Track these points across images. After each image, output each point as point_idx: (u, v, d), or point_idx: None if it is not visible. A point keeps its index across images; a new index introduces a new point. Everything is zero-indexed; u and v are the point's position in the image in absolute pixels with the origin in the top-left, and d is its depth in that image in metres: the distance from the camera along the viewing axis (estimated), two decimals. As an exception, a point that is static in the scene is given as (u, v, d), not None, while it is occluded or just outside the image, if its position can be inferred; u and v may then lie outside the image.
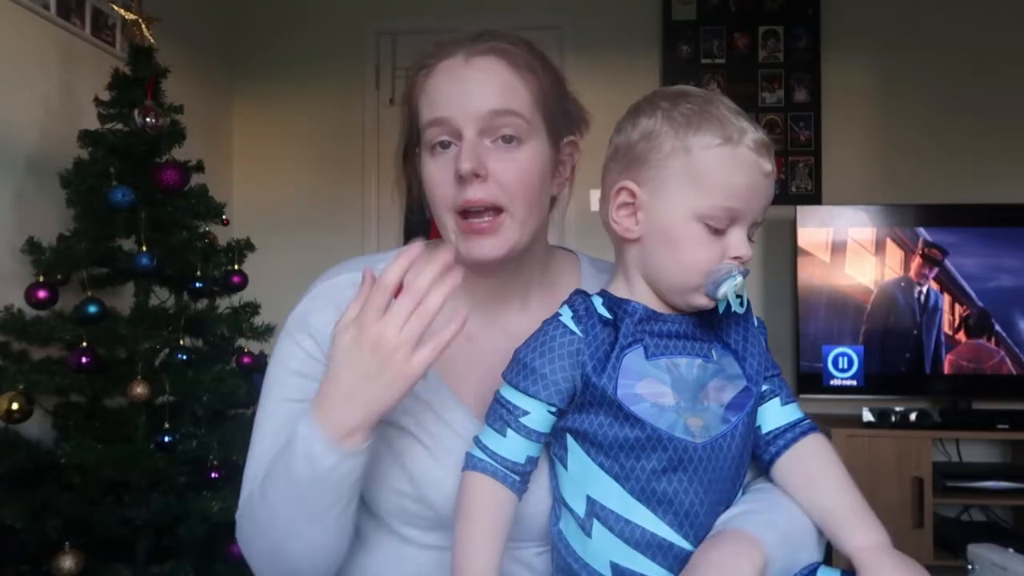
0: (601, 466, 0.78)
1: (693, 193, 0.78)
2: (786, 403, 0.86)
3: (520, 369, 0.80)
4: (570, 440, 0.81)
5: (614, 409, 0.77)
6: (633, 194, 0.81)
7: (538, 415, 0.80)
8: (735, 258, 0.78)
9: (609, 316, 0.81)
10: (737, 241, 0.78)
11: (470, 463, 0.80)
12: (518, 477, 0.80)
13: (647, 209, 0.80)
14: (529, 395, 0.79)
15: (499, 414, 0.81)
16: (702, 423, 0.78)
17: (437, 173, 0.88)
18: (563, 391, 0.79)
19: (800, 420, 0.86)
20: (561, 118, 0.92)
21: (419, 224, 0.94)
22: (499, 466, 0.79)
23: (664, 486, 0.77)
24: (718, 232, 0.78)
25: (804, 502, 0.82)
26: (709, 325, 0.84)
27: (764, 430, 0.85)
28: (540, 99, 0.88)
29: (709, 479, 0.78)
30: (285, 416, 0.90)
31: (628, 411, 0.77)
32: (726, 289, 0.77)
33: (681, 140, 0.78)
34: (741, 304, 0.79)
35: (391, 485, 0.91)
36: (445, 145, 0.87)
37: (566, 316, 0.81)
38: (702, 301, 0.79)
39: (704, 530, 0.78)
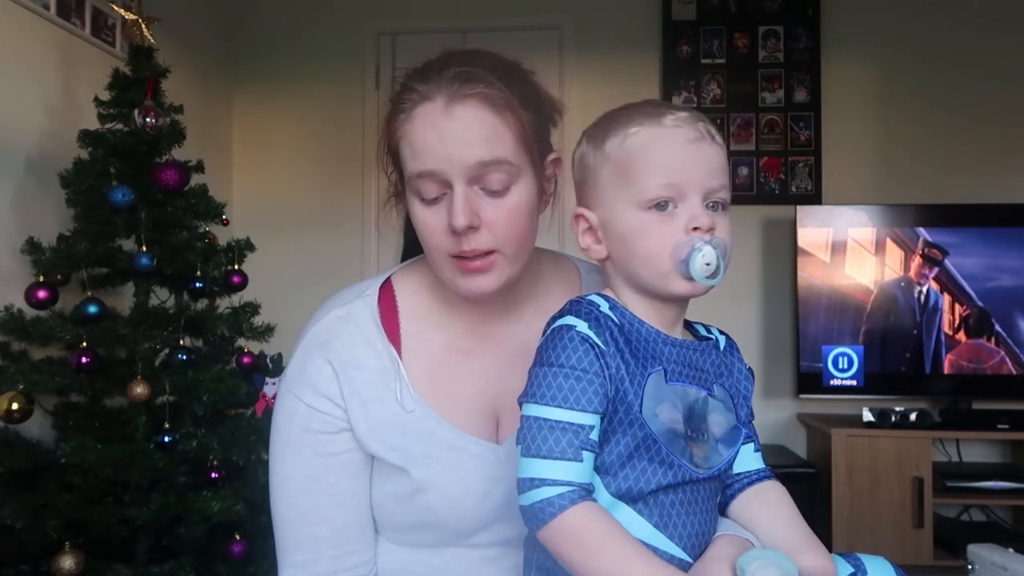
0: (598, 470, 0.77)
1: (626, 186, 0.79)
2: (756, 451, 0.88)
3: (568, 390, 0.75)
4: None
5: (634, 428, 0.76)
6: (587, 219, 0.84)
7: (598, 426, 0.76)
8: (694, 229, 0.77)
9: (617, 321, 0.79)
10: (693, 212, 0.78)
11: (557, 506, 0.72)
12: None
13: (603, 226, 0.82)
14: (589, 412, 0.75)
15: (566, 441, 0.74)
16: (703, 454, 0.79)
17: (431, 220, 0.88)
18: (606, 396, 0.76)
19: (764, 469, 0.88)
20: (543, 140, 0.92)
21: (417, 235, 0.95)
22: (585, 491, 0.74)
23: (662, 499, 0.78)
24: (668, 212, 0.78)
25: (762, 523, 0.84)
26: (713, 360, 0.84)
27: (734, 470, 0.87)
28: (522, 136, 0.87)
29: (703, 499, 0.80)
30: (300, 476, 0.92)
31: (649, 431, 0.76)
32: (696, 263, 0.76)
33: (599, 149, 0.82)
34: (716, 276, 0.77)
35: (398, 520, 0.94)
36: (434, 195, 0.87)
37: (583, 327, 0.76)
38: (682, 285, 0.78)
39: (696, 539, 0.79)
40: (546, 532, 0.73)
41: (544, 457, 0.73)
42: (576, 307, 0.79)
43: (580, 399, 0.74)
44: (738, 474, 0.87)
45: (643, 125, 0.80)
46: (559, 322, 0.78)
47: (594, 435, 0.75)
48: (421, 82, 0.87)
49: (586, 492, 0.74)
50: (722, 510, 0.87)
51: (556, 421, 0.74)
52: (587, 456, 0.74)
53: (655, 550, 0.76)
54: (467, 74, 0.85)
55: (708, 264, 0.76)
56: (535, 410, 0.75)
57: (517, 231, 0.88)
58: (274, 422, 0.96)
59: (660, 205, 0.78)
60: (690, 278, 0.77)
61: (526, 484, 0.74)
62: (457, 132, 0.84)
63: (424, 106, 0.86)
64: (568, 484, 0.73)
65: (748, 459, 0.87)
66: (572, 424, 0.74)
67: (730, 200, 0.82)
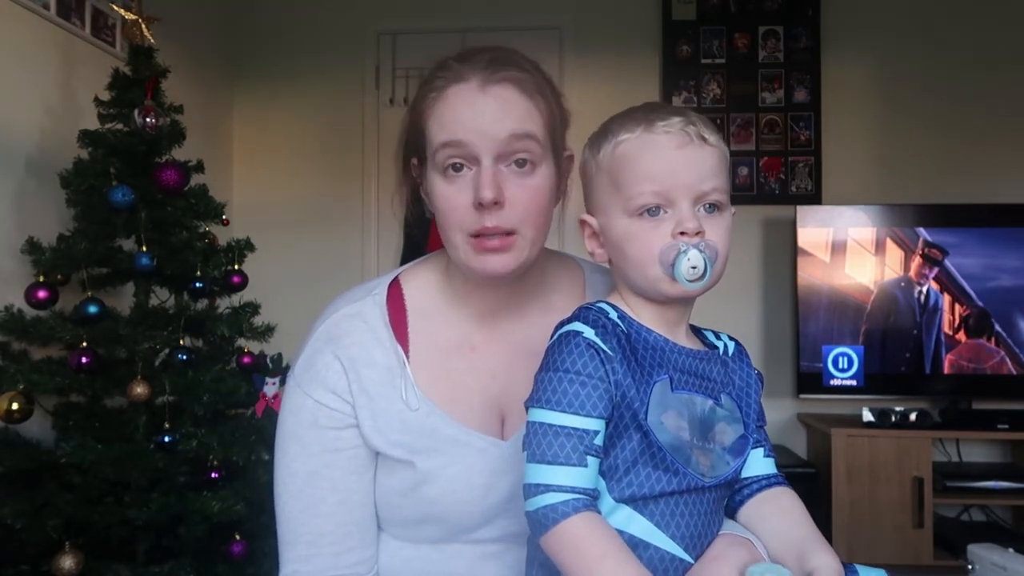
0: (602, 475, 0.78)
1: (617, 194, 0.81)
2: (767, 456, 0.88)
3: (573, 395, 0.76)
4: None
5: (639, 435, 0.77)
6: (590, 225, 0.86)
7: (602, 431, 0.77)
8: (681, 234, 0.78)
9: (625, 330, 0.80)
10: (680, 217, 0.78)
11: (560, 512, 0.73)
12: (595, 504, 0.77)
13: (602, 231, 0.84)
14: (594, 416, 0.76)
15: (570, 446, 0.74)
16: (709, 462, 0.79)
17: (453, 197, 0.88)
18: (611, 401, 0.77)
19: (776, 474, 0.88)
20: (562, 135, 0.94)
21: (417, 235, 0.96)
22: (589, 497, 0.75)
23: (666, 500, 0.78)
24: (658, 217, 0.79)
25: (771, 527, 0.83)
26: (719, 370, 0.85)
27: (743, 475, 0.87)
28: (550, 123, 0.89)
29: (707, 503, 0.80)
30: (306, 471, 0.93)
31: (653, 438, 0.76)
32: (682, 266, 0.77)
33: (594, 156, 0.84)
34: (702, 280, 0.78)
35: (401, 515, 0.95)
36: (458, 168, 0.87)
37: (589, 333, 0.78)
38: (673, 288, 0.79)
39: (697, 540, 0.80)
40: (547, 539, 0.74)
41: (549, 463, 0.74)
42: (584, 314, 0.80)
43: (585, 404, 0.75)
44: (747, 479, 0.87)
45: (632, 132, 0.81)
46: (566, 327, 0.79)
47: (598, 440, 0.76)
48: (456, 61, 0.89)
49: (590, 499, 0.74)
50: (732, 515, 0.87)
51: (561, 426, 0.75)
52: (591, 461, 0.75)
53: (655, 549, 0.77)
54: (501, 59, 0.88)
55: (694, 268, 0.77)
56: (540, 415, 0.76)
57: (538, 211, 0.89)
58: (281, 417, 0.96)
59: (651, 211, 0.79)
60: (674, 278, 0.78)
61: (531, 490, 0.75)
62: (490, 108, 0.86)
63: (457, 86, 0.87)
64: (572, 490, 0.73)
65: (758, 464, 0.87)
66: (577, 429, 0.75)
67: (727, 201, 0.82)
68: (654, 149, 0.79)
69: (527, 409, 0.78)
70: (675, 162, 0.79)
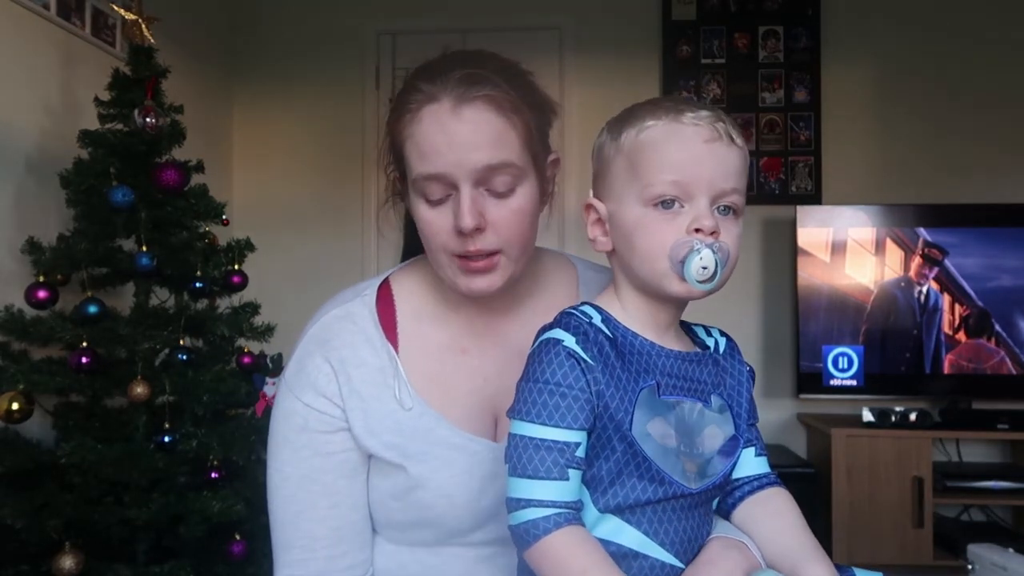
0: (586, 485, 0.77)
1: (635, 181, 0.78)
2: (759, 455, 0.87)
3: (554, 407, 0.74)
4: None
5: (624, 445, 0.75)
6: (597, 210, 0.83)
7: (584, 442, 0.76)
8: (696, 231, 0.75)
9: (610, 334, 0.79)
10: (697, 214, 0.76)
11: (542, 528, 0.72)
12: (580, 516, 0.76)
13: (610, 218, 0.81)
14: (575, 429, 0.74)
15: (551, 460, 0.74)
16: (696, 468, 0.78)
17: (435, 221, 0.87)
18: (592, 412, 0.76)
19: (769, 473, 0.87)
20: (544, 141, 0.92)
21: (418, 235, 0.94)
22: (572, 510, 0.74)
23: (653, 507, 0.77)
24: (673, 211, 0.76)
25: (765, 532, 0.83)
26: (710, 370, 0.83)
27: (734, 475, 0.85)
28: (527, 138, 0.87)
29: (695, 506, 0.80)
30: (298, 475, 0.93)
31: (638, 448, 0.75)
32: (692, 265, 0.75)
33: (615, 139, 0.81)
34: (711, 282, 0.76)
35: (395, 518, 0.94)
36: (437, 195, 0.86)
37: (570, 342, 0.76)
38: (678, 286, 0.77)
39: (687, 544, 0.79)
40: (530, 553, 0.73)
41: (530, 477, 0.74)
42: (566, 319, 0.79)
43: (565, 416, 0.74)
44: (739, 480, 0.85)
45: (659, 119, 0.78)
46: (547, 335, 0.78)
47: (580, 452, 0.75)
48: (427, 82, 0.86)
49: (572, 512, 0.74)
50: (725, 518, 0.86)
51: (541, 439, 0.74)
52: (573, 474, 0.74)
53: (645, 558, 0.76)
54: (474, 76, 0.85)
55: (705, 268, 0.75)
56: (521, 428, 0.75)
57: (521, 231, 0.88)
58: (272, 421, 0.96)
59: (666, 203, 0.77)
60: (683, 277, 0.76)
61: (513, 504, 0.74)
62: (465, 135, 0.84)
63: (431, 107, 0.85)
64: (553, 505, 0.73)
65: (750, 464, 0.86)
66: (557, 442, 0.74)
67: (743, 207, 0.80)
68: (681, 139, 0.77)
69: (510, 420, 0.77)
70: (700, 155, 0.76)
